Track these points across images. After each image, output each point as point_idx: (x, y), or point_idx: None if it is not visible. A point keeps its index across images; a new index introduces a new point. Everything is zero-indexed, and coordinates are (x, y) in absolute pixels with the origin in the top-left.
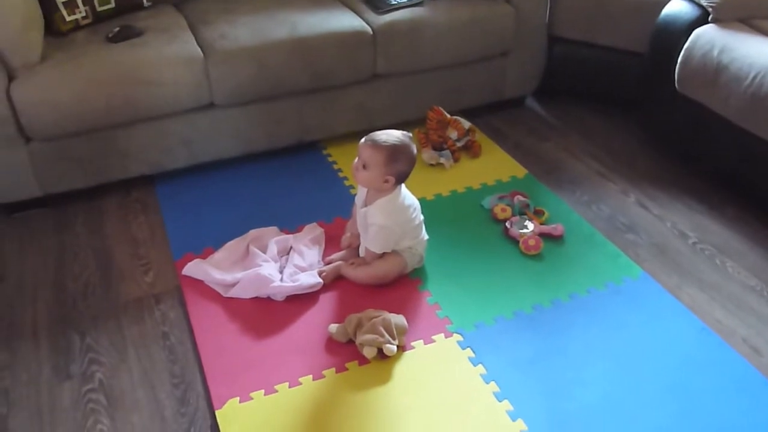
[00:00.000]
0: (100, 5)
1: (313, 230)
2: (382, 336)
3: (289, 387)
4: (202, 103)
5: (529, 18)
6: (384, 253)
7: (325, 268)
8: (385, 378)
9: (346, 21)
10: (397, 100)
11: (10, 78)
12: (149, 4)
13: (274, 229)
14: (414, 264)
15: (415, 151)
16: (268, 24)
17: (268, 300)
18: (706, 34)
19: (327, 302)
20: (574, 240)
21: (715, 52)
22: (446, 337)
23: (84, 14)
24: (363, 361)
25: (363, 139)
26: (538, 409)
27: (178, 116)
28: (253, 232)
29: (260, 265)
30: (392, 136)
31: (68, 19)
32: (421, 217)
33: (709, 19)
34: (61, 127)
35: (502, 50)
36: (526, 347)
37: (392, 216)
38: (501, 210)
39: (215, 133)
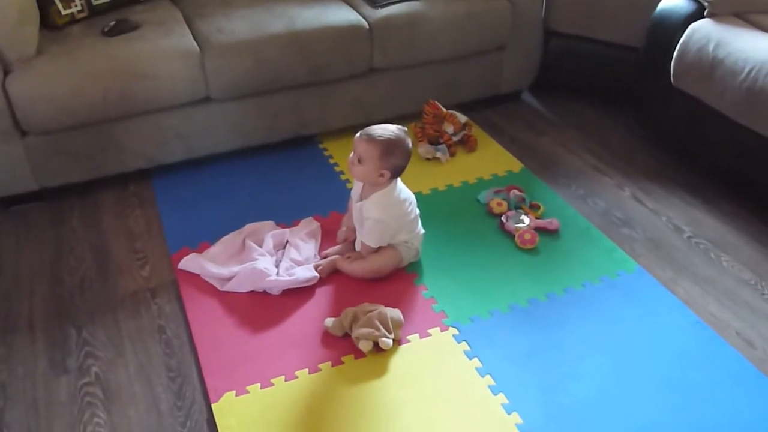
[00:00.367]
0: None
1: (309, 224)
2: (378, 330)
3: (285, 380)
4: (199, 97)
5: (525, 12)
6: (380, 247)
7: (321, 262)
8: (380, 372)
9: (342, 15)
10: (394, 95)
11: (6, 72)
12: None
13: (270, 223)
14: (410, 258)
15: (410, 145)
16: (265, 18)
17: (264, 294)
18: (702, 28)
19: (323, 296)
20: (570, 234)
21: (711, 47)
22: (442, 330)
23: (80, 8)
24: (359, 354)
25: (358, 134)
26: (533, 402)
27: (175, 110)
28: (249, 226)
29: (256, 259)
30: (387, 130)
31: (64, 12)
32: (417, 211)
33: (705, 13)
34: (57, 121)
35: (499, 44)
36: (521, 341)
37: (388, 210)
38: (497, 204)
39: (211, 127)
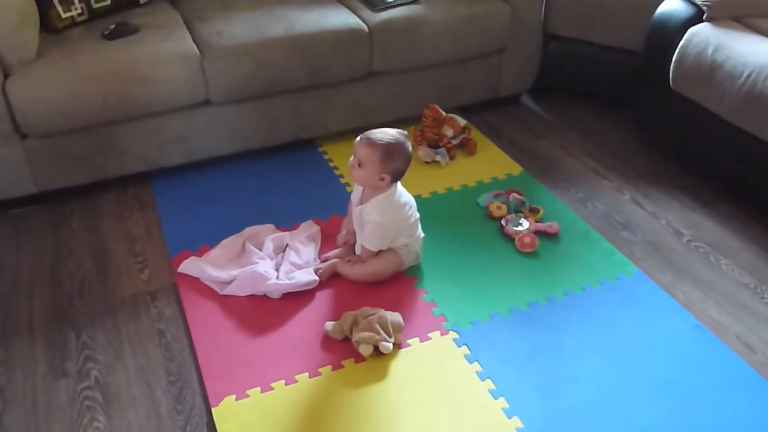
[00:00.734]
0: (96, 2)
1: (309, 228)
2: (378, 333)
3: (286, 384)
4: (198, 101)
5: (524, 15)
6: (380, 251)
7: (321, 265)
8: (381, 375)
9: (342, 18)
10: (393, 98)
11: (6, 75)
12: (145, 1)
13: (270, 226)
14: (410, 262)
15: (410, 148)
16: (265, 21)
17: (264, 297)
18: (701, 32)
19: (323, 300)
20: (570, 237)
21: (710, 51)
22: (442, 334)
23: (80, 11)
24: (359, 358)
25: (358, 138)
26: (533, 406)
27: (174, 113)
28: (249, 230)
29: (256, 263)
30: (387, 134)
31: (64, 15)
32: (417, 215)
33: (704, 17)
34: (57, 124)
35: (498, 48)
36: (521, 344)
37: (388, 214)
38: (496, 208)
39: (211, 130)
